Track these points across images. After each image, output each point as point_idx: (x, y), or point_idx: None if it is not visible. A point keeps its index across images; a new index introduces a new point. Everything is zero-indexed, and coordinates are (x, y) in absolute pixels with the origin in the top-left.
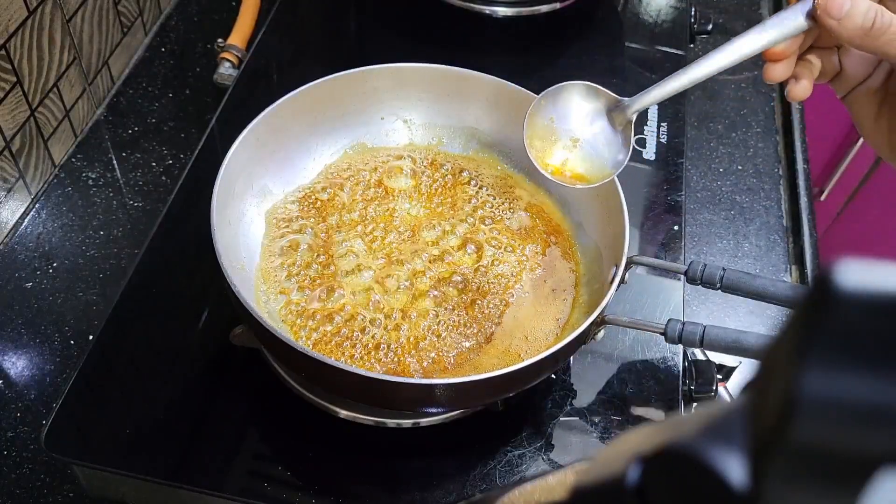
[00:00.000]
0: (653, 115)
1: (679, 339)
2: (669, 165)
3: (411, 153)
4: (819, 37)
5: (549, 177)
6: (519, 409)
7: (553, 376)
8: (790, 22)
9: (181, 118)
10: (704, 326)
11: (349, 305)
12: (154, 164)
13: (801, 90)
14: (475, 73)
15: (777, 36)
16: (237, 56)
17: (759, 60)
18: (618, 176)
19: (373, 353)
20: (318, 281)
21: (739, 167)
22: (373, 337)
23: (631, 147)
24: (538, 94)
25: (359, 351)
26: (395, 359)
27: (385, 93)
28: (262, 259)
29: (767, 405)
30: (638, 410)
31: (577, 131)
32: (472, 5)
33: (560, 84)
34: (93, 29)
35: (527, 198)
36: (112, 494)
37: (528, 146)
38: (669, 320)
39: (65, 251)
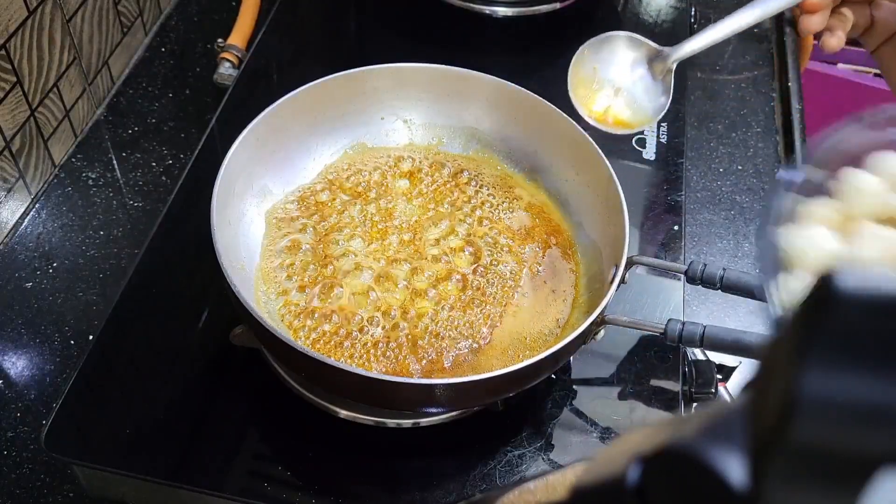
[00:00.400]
0: None
1: (679, 339)
2: (669, 165)
3: (411, 153)
4: None
5: (592, 123)
6: (519, 409)
7: (553, 376)
8: None
9: (181, 118)
10: (704, 326)
11: (348, 305)
12: (154, 164)
13: (835, 41)
14: (475, 73)
15: None
16: (237, 56)
17: (759, 60)
18: (618, 176)
19: (371, 351)
20: (317, 280)
21: (739, 167)
22: (371, 336)
23: (671, 93)
24: (538, 94)
25: (358, 350)
26: (394, 358)
27: (385, 93)
28: (261, 259)
29: (767, 405)
30: (638, 410)
31: (619, 79)
32: (471, 5)
33: (603, 34)
34: (93, 29)
35: (527, 198)
36: (112, 494)
37: (573, 94)
38: (669, 320)
39: (65, 251)
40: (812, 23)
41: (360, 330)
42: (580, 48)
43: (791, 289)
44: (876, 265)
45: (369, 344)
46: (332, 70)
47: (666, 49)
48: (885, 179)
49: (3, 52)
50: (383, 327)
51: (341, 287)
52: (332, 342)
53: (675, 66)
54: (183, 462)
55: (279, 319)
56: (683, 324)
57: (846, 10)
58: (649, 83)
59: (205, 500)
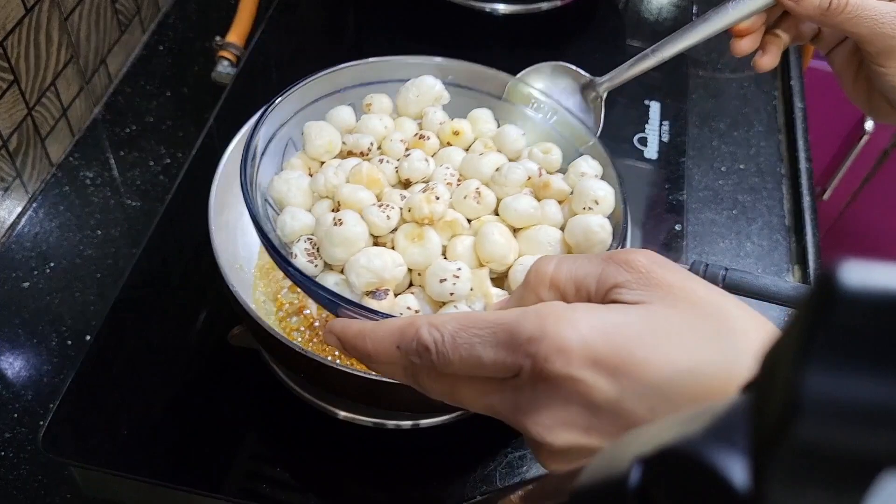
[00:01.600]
0: (654, 113)
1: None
2: (671, 164)
3: None
4: None
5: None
6: None
7: None
8: (753, 1)
9: (179, 117)
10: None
11: None
12: (152, 162)
13: (766, 61)
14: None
15: (741, 14)
16: (235, 54)
17: None
18: None
19: None
20: None
21: (742, 166)
22: None
23: (602, 122)
24: None
25: None
26: None
27: None
28: (260, 259)
29: (769, 405)
30: None
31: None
32: (472, 3)
33: (536, 65)
34: (90, 27)
35: None
36: (109, 496)
37: None
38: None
39: (62, 251)
40: (742, 46)
41: None
42: (514, 78)
43: (286, 224)
44: (345, 187)
45: None
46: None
47: (597, 78)
48: (335, 125)
49: (0, 50)
50: None
51: None
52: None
53: (605, 94)
54: (180, 463)
55: (277, 320)
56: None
57: (781, 31)
58: (583, 111)
59: (203, 501)
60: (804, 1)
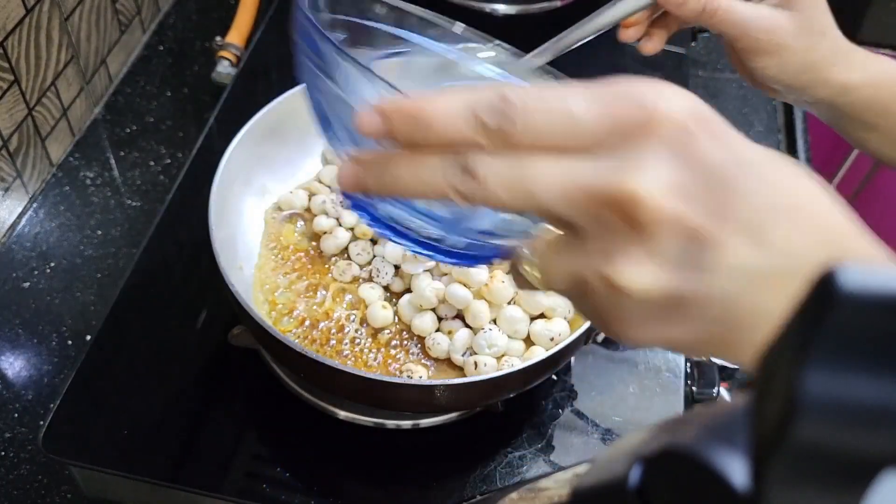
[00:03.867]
0: None
1: None
2: None
3: None
4: None
5: None
6: (519, 409)
7: (553, 377)
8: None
9: (179, 117)
10: None
11: (340, 305)
12: (152, 163)
13: (650, 46)
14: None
15: (628, 10)
16: (235, 54)
17: None
18: None
19: (363, 349)
20: (303, 277)
21: None
22: (356, 332)
23: None
24: None
25: (348, 347)
26: (385, 356)
27: None
28: (260, 259)
29: (769, 406)
30: (639, 411)
31: None
32: (472, 3)
33: None
34: (90, 27)
35: None
36: (110, 495)
37: None
38: None
39: (62, 251)
40: (628, 34)
41: (340, 329)
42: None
43: None
44: None
45: (348, 341)
46: None
47: None
48: None
49: (0, 50)
50: (362, 322)
51: (325, 287)
52: (318, 341)
53: None
54: (181, 463)
55: (276, 320)
56: None
57: (666, 21)
58: None
59: (203, 501)
60: (683, 6)
